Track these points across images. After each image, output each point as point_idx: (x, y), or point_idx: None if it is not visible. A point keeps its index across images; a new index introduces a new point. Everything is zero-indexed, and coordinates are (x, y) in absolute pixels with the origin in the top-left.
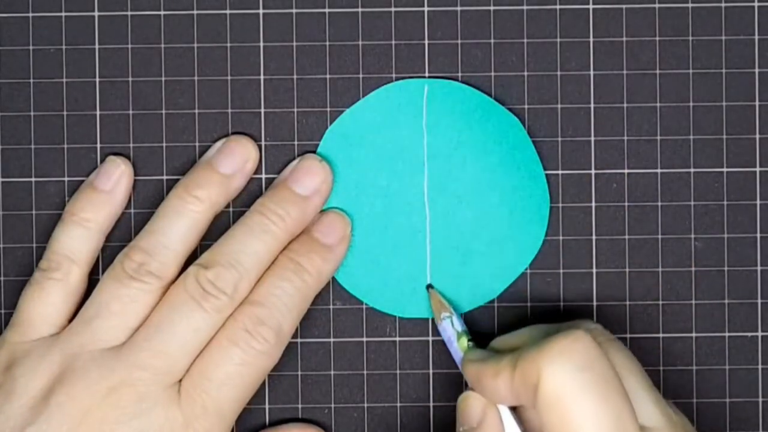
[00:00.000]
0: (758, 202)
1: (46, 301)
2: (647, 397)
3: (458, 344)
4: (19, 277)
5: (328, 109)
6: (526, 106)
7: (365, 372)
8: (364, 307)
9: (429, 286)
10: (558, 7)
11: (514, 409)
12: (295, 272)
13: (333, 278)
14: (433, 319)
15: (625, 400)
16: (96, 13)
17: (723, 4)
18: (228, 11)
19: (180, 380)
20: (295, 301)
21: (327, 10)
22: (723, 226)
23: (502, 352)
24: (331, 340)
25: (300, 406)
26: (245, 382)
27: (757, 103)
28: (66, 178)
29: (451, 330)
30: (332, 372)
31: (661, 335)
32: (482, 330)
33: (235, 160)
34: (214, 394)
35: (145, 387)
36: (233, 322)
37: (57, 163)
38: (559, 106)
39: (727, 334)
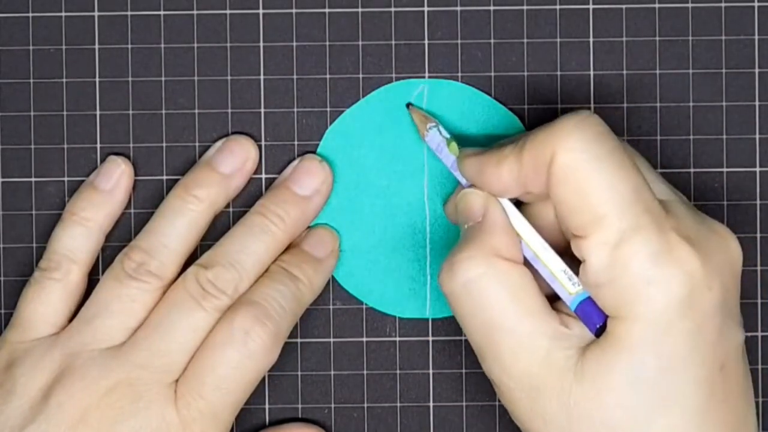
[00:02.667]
0: (758, 202)
1: (46, 300)
2: (654, 174)
3: (449, 149)
4: (19, 277)
5: (328, 109)
6: (526, 106)
7: (365, 372)
8: (364, 307)
9: (408, 104)
10: (558, 7)
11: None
12: (289, 278)
13: (333, 278)
14: (431, 319)
15: (640, 172)
16: (96, 13)
17: (723, 4)
18: (228, 11)
19: (177, 380)
20: (291, 304)
21: (327, 10)
22: None
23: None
24: (331, 340)
25: (300, 406)
26: (240, 384)
27: (757, 103)
28: (66, 178)
29: (440, 137)
30: (332, 372)
31: None
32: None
33: (235, 159)
34: (208, 397)
35: (143, 386)
36: (229, 322)
37: (57, 163)
38: (559, 106)
39: None
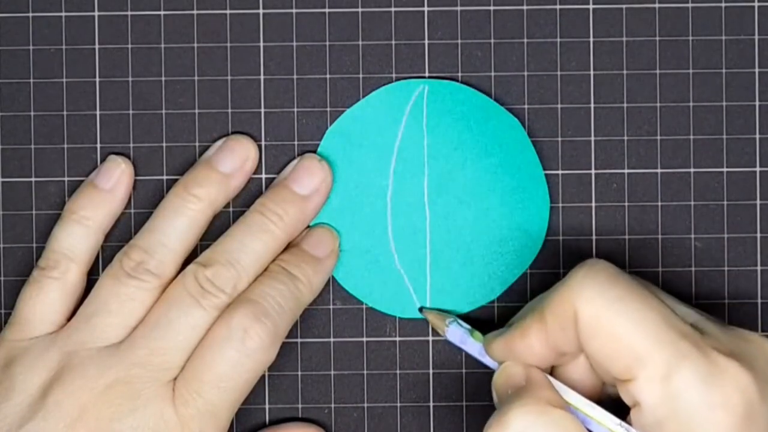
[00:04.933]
0: (758, 202)
1: (45, 299)
2: (673, 299)
3: (473, 338)
4: (19, 277)
5: (328, 109)
6: (526, 106)
7: (365, 372)
8: (364, 307)
9: (421, 309)
10: (558, 7)
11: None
12: (288, 278)
13: (333, 278)
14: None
15: (661, 301)
16: (96, 13)
17: (723, 4)
18: (228, 11)
19: (175, 378)
20: (290, 303)
21: (327, 10)
22: (723, 226)
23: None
24: (331, 340)
25: (300, 406)
26: (239, 383)
27: (757, 103)
28: (66, 178)
29: (461, 330)
30: (332, 372)
31: None
32: (482, 331)
33: (235, 159)
34: (206, 395)
35: (141, 384)
36: (228, 320)
37: (57, 163)
38: (559, 106)
39: None
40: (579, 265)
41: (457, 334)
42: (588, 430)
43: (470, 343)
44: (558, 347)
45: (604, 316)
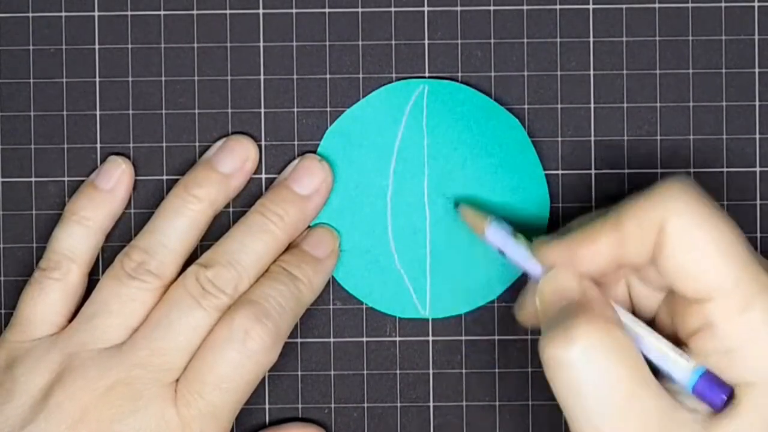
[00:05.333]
0: (758, 202)
1: (46, 300)
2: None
3: (517, 240)
4: (19, 277)
5: (328, 109)
6: (526, 106)
7: (365, 372)
8: (364, 307)
9: (457, 204)
10: (558, 7)
11: None
12: (289, 278)
13: (333, 278)
14: (431, 319)
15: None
16: (96, 13)
17: (723, 4)
18: (228, 11)
19: (177, 379)
20: (291, 304)
21: (327, 10)
22: None
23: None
24: (331, 340)
25: (300, 406)
26: (240, 384)
27: (757, 103)
28: (66, 178)
29: (504, 231)
30: (332, 372)
31: None
32: (482, 331)
33: (235, 159)
34: (208, 396)
35: (142, 385)
36: (229, 321)
37: (57, 163)
38: (559, 106)
39: None
40: (665, 178)
41: (499, 234)
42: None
43: (512, 244)
44: (626, 258)
45: (693, 232)
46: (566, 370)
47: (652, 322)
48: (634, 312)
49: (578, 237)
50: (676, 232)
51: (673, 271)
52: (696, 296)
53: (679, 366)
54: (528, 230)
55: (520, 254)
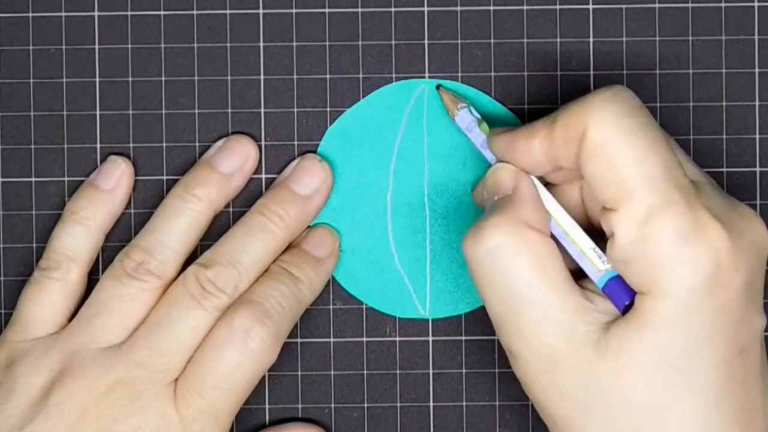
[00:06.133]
0: (758, 202)
1: (46, 300)
2: (684, 155)
3: (480, 129)
4: (19, 277)
5: (328, 109)
6: (526, 106)
7: (365, 372)
8: (364, 307)
9: (438, 86)
10: (558, 7)
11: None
12: (289, 278)
13: (333, 278)
14: (431, 319)
15: (672, 150)
16: (96, 13)
17: (723, 4)
18: (228, 11)
19: (177, 379)
20: (291, 304)
21: (327, 10)
22: None
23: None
24: (331, 340)
25: (300, 406)
26: (240, 384)
27: (757, 103)
28: (66, 178)
29: (470, 117)
30: (332, 372)
31: None
32: (482, 331)
33: (235, 159)
34: (208, 396)
35: (142, 385)
36: (229, 321)
37: (57, 163)
38: (559, 106)
39: None
40: (606, 87)
41: (466, 120)
42: (564, 250)
43: (476, 132)
44: (557, 159)
45: (609, 142)
46: (477, 266)
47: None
48: (588, 216)
49: (519, 133)
50: (594, 140)
51: (589, 178)
52: (606, 205)
53: (595, 266)
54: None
55: (480, 141)
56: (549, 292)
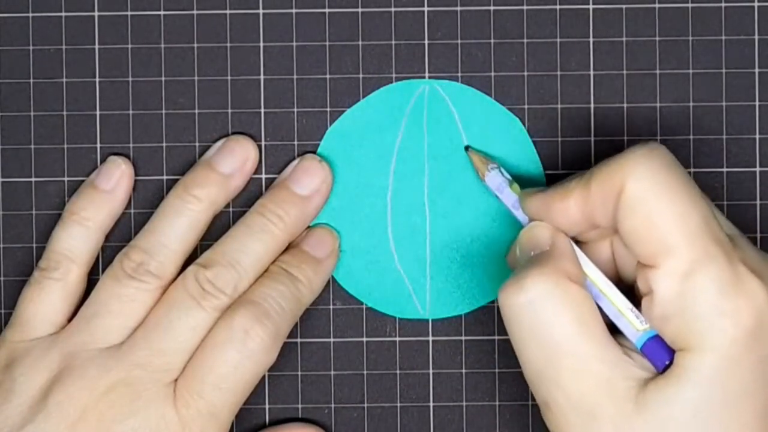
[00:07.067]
0: (758, 202)
1: (45, 300)
2: (717, 210)
3: (511, 189)
4: (19, 277)
5: (328, 109)
6: (526, 106)
7: (365, 372)
8: (364, 307)
9: (467, 148)
10: (558, 7)
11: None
12: (289, 279)
13: (333, 278)
14: (431, 319)
15: (709, 204)
16: (96, 13)
17: (723, 4)
18: (228, 11)
19: (176, 379)
20: (291, 304)
21: (327, 10)
22: None
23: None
24: (331, 340)
25: (300, 406)
26: (240, 384)
27: (757, 103)
28: (66, 178)
29: (501, 178)
30: (332, 372)
31: None
32: (482, 331)
33: (235, 159)
34: (208, 396)
35: (142, 385)
36: (229, 322)
37: (57, 163)
38: (559, 106)
39: None
40: (640, 143)
41: (496, 180)
42: (599, 307)
43: (507, 193)
44: (593, 217)
45: (648, 198)
46: (515, 316)
47: (633, 284)
48: (619, 273)
49: (553, 192)
50: (632, 196)
51: (627, 234)
52: (644, 261)
53: (632, 326)
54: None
55: (511, 202)
56: (590, 345)
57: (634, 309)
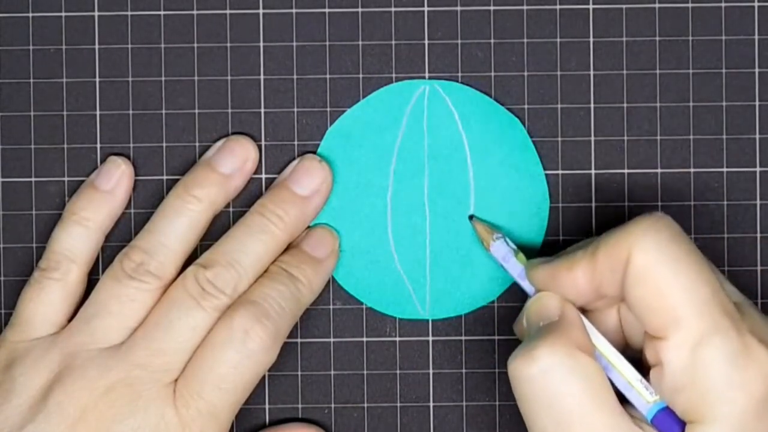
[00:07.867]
0: (758, 202)
1: (46, 300)
2: (723, 277)
3: (517, 259)
4: (19, 277)
5: (328, 109)
6: (526, 106)
7: (365, 372)
8: (364, 307)
9: (471, 217)
10: (558, 7)
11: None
12: (289, 279)
13: (333, 278)
14: (431, 319)
15: (716, 274)
16: (96, 13)
17: (723, 4)
18: (228, 11)
19: (176, 379)
20: (290, 304)
21: (327, 10)
22: (723, 226)
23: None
24: (331, 340)
25: (300, 406)
26: (240, 384)
27: (757, 103)
28: (66, 178)
29: (506, 248)
30: (332, 372)
31: None
32: (482, 331)
33: (235, 159)
34: (207, 396)
35: (142, 385)
36: (229, 322)
37: (57, 163)
38: (559, 106)
39: None
40: (645, 214)
41: (501, 250)
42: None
43: (513, 263)
44: (601, 288)
45: (656, 269)
46: (526, 386)
47: (640, 352)
48: (626, 340)
49: (560, 264)
50: (639, 267)
51: (635, 305)
52: (653, 333)
53: (642, 398)
54: (527, 249)
55: (517, 272)
56: (602, 415)
57: (644, 380)
